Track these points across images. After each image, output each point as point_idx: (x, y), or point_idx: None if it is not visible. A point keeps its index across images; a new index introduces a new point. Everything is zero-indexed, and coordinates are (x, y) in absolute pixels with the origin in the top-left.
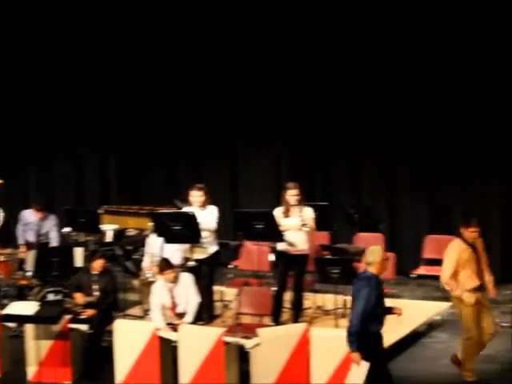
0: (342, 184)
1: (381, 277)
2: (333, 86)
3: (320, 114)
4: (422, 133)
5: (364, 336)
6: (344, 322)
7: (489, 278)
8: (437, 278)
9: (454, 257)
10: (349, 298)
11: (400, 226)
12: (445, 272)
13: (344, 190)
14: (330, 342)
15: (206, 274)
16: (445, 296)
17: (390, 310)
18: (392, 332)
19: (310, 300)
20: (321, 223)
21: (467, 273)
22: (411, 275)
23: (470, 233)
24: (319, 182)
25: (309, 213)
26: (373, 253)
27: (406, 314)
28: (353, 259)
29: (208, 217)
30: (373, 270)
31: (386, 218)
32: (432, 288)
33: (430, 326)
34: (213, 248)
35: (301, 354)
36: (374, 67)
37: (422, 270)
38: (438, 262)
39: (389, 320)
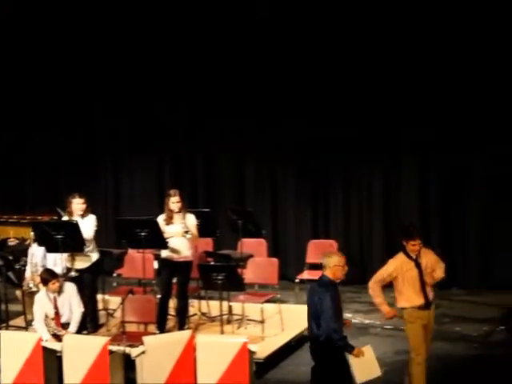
0: (226, 190)
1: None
2: (218, 87)
3: (202, 121)
4: (306, 139)
5: (330, 340)
6: (229, 328)
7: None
8: None
9: (391, 267)
10: (233, 304)
11: (283, 231)
12: (374, 277)
13: (227, 195)
14: (215, 348)
15: (89, 283)
16: None
17: None
18: (278, 336)
19: (195, 307)
20: (204, 229)
21: (411, 289)
22: (295, 280)
23: (412, 246)
24: (202, 189)
25: (191, 219)
26: (327, 257)
27: (291, 319)
28: (237, 265)
29: (87, 225)
30: (328, 274)
31: (270, 224)
32: None
33: None
34: (94, 256)
35: (186, 361)
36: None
37: (306, 275)
38: (320, 267)
39: (274, 325)
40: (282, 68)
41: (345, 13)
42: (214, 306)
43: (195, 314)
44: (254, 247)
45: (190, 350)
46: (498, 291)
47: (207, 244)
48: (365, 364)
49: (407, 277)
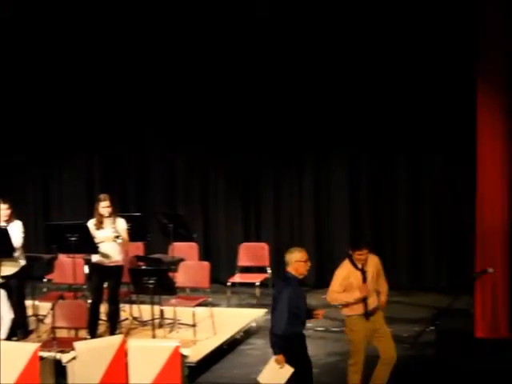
0: (156, 194)
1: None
2: (149, 88)
3: (132, 127)
4: (236, 142)
5: (288, 337)
6: (161, 332)
7: (381, 299)
8: (252, 285)
9: (341, 275)
10: (165, 308)
11: (214, 234)
12: (331, 291)
13: (158, 199)
14: (147, 353)
15: (16, 289)
16: (260, 303)
17: (310, 313)
18: (209, 340)
19: (127, 311)
20: (135, 234)
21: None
22: (227, 283)
23: (358, 256)
24: (132, 193)
25: (122, 224)
26: (289, 253)
27: (223, 322)
28: (168, 269)
29: (15, 232)
30: (291, 270)
31: (201, 227)
32: (247, 295)
33: (247, 333)
34: (20, 262)
35: (118, 366)
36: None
37: (238, 278)
38: (252, 270)
39: (205, 328)
40: (210, 69)
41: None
42: (145, 311)
43: (127, 319)
44: (185, 251)
45: (121, 354)
46: (427, 292)
47: (138, 248)
48: (276, 374)
49: (352, 285)
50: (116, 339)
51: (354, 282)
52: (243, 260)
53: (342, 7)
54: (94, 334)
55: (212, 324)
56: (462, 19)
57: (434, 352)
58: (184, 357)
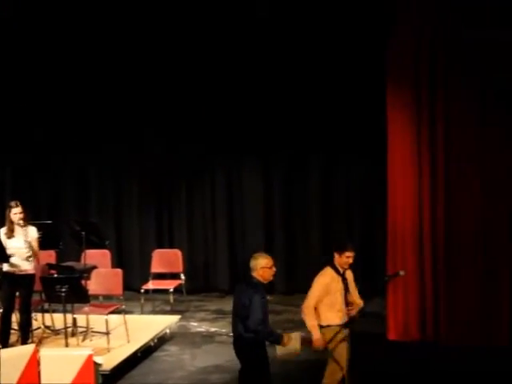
0: (68, 201)
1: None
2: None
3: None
4: (148, 150)
5: (257, 339)
6: (74, 341)
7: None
8: (165, 291)
9: (324, 282)
10: (77, 316)
11: (127, 241)
12: (308, 300)
13: (70, 207)
14: (60, 362)
15: None
16: (174, 310)
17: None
18: (123, 347)
19: (39, 320)
20: (47, 241)
21: (337, 306)
22: (140, 290)
23: (346, 258)
24: (44, 200)
25: (33, 232)
26: (254, 259)
27: (137, 329)
28: (81, 277)
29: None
30: (257, 276)
31: (113, 235)
32: (161, 302)
33: (161, 340)
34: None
35: (31, 376)
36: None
37: (151, 285)
38: (165, 276)
39: (119, 336)
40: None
41: None
42: (57, 319)
43: (39, 328)
44: (97, 258)
45: (33, 364)
46: None
47: (50, 256)
48: (289, 345)
49: (333, 292)
50: (28, 348)
51: (334, 288)
52: (156, 267)
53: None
54: (5, 343)
55: (126, 331)
56: (372, 15)
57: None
58: (97, 365)
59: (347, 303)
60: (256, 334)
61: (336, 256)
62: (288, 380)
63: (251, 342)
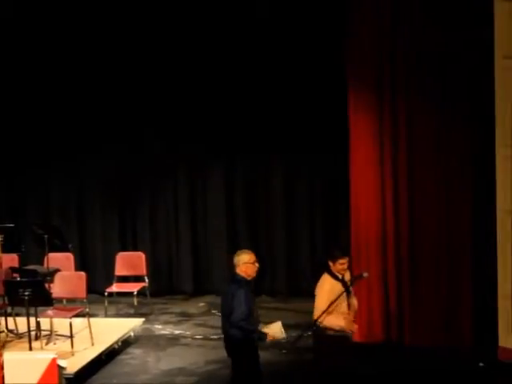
0: (30, 204)
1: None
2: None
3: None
4: (111, 152)
5: (244, 334)
6: (38, 344)
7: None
8: (129, 294)
9: (326, 290)
10: (41, 320)
11: (91, 244)
12: (318, 310)
13: (32, 210)
14: (23, 366)
15: None
16: (138, 312)
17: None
18: (87, 351)
19: (1, 324)
20: (8, 245)
21: (337, 311)
22: (104, 293)
23: (341, 265)
24: (5, 203)
25: None
26: (237, 255)
27: (101, 333)
28: (44, 280)
29: None
30: (240, 272)
31: (77, 237)
32: (125, 305)
33: (125, 343)
34: None
35: None
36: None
37: (115, 288)
38: (129, 279)
39: (83, 339)
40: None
41: None
42: (21, 323)
43: (2, 332)
44: (60, 261)
45: None
46: (304, 298)
47: (12, 260)
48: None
49: (334, 297)
50: None
51: (336, 294)
52: (120, 269)
53: None
54: None
55: (90, 334)
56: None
57: (311, 356)
58: (61, 368)
59: (349, 307)
60: (240, 330)
61: (331, 264)
62: (278, 378)
63: (238, 339)
